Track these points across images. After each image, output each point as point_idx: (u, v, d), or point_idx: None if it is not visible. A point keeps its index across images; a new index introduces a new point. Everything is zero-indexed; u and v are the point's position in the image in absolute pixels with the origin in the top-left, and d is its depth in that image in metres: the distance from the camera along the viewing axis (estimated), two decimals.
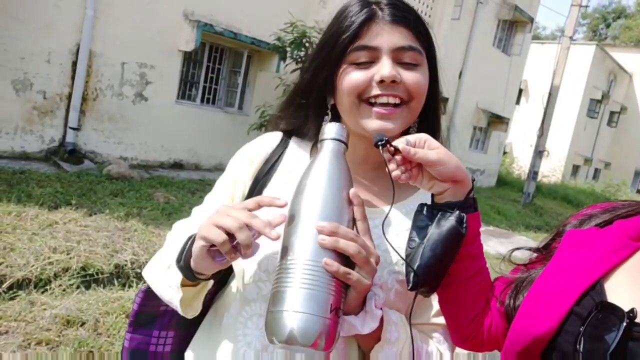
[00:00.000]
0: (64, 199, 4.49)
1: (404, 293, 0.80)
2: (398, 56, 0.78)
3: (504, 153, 17.41)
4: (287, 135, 0.93)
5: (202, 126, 7.47)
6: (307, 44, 6.54)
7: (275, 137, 0.92)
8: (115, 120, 6.64)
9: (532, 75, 20.81)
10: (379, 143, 0.69)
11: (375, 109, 0.78)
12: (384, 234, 0.73)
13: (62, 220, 3.93)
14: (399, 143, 0.69)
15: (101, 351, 2.56)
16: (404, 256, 0.73)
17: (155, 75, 6.84)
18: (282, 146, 0.91)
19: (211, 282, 0.81)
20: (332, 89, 0.82)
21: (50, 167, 5.71)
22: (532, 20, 13.91)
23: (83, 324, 2.75)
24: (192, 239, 0.74)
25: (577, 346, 0.56)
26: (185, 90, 7.51)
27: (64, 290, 3.07)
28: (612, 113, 25.50)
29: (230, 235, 0.67)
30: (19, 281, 3.00)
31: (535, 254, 0.79)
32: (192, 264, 0.72)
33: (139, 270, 3.47)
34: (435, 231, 0.70)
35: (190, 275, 0.74)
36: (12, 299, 2.87)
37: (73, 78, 6.09)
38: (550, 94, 12.72)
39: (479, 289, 0.77)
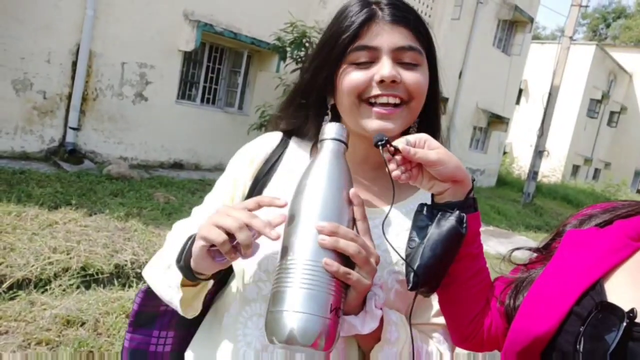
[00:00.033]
0: (64, 199, 4.49)
1: (403, 293, 0.80)
2: (398, 56, 0.78)
3: (504, 153, 17.42)
4: (287, 135, 0.93)
5: (202, 126, 7.47)
6: (307, 44, 6.54)
7: (275, 137, 0.92)
8: (115, 120, 6.64)
9: (532, 75, 20.81)
10: (379, 143, 0.69)
11: (375, 109, 0.78)
12: (384, 234, 0.73)
13: (62, 220, 3.93)
14: (399, 143, 0.69)
15: (101, 351, 2.56)
16: (403, 256, 0.73)
17: (155, 75, 6.84)
18: (282, 146, 0.91)
19: (211, 282, 0.81)
20: (332, 89, 0.82)
21: (50, 167, 5.71)
22: (532, 20, 13.91)
23: (83, 324, 2.75)
24: (192, 239, 0.74)
25: (577, 346, 0.56)
26: (185, 90, 7.51)
27: (64, 290, 3.07)
28: (612, 113, 25.50)
29: (230, 235, 0.67)
30: (19, 281, 3.00)
31: (535, 254, 0.79)
32: (192, 264, 0.72)
33: (139, 270, 3.47)
34: (435, 231, 0.70)
35: (190, 275, 0.74)
36: (12, 299, 2.87)
37: (73, 78, 6.09)
38: (550, 94, 12.72)
39: (479, 289, 0.77)
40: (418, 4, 8.35)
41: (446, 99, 11.63)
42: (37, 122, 6.00)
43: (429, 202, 0.84)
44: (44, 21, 5.73)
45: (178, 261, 0.75)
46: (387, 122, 0.78)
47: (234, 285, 0.89)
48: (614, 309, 0.55)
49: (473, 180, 0.74)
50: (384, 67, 0.76)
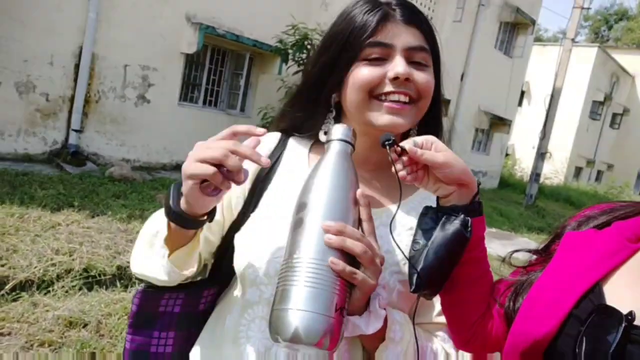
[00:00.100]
0: (66, 200, 4.50)
1: (406, 294, 0.80)
2: (410, 55, 0.79)
3: (506, 155, 17.39)
4: (286, 135, 0.93)
5: (204, 128, 7.47)
6: (308, 47, 6.55)
7: (273, 138, 0.92)
8: (118, 122, 6.66)
9: (534, 77, 20.78)
10: (386, 143, 0.69)
11: (387, 104, 0.78)
12: (391, 233, 0.73)
13: (64, 222, 3.94)
14: (406, 144, 0.69)
15: (103, 352, 2.56)
16: (404, 253, 0.74)
17: (157, 78, 6.85)
18: (281, 147, 0.91)
19: (201, 239, 0.82)
20: (338, 85, 0.83)
21: (53, 169, 5.73)
22: (533, 22, 13.90)
23: (85, 325, 2.75)
24: (175, 187, 0.74)
25: (577, 349, 0.56)
26: (188, 93, 7.52)
27: (66, 291, 3.08)
28: (614, 115, 25.44)
29: (217, 166, 0.66)
30: (22, 282, 3.01)
31: (534, 256, 0.79)
32: (185, 207, 0.72)
33: None
34: (439, 234, 0.70)
35: (186, 221, 0.73)
36: (15, 300, 2.88)
37: (76, 80, 6.11)
38: (552, 95, 12.70)
39: (481, 293, 0.77)
40: (420, 6, 8.36)
41: (448, 101, 11.62)
42: (39, 124, 6.02)
43: (429, 201, 0.84)
44: (47, 24, 5.75)
45: (168, 212, 0.73)
46: (398, 117, 0.78)
47: (236, 288, 0.89)
48: (613, 311, 0.55)
49: (479, 184, 0.74)
50: (399, 65, 0.77)
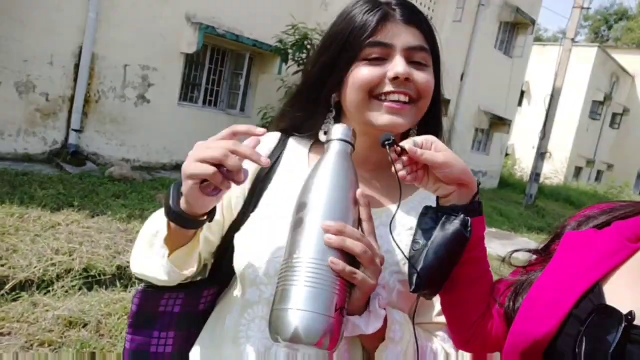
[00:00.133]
0: (66, 200, 4.50)
1: (406, 293, 0.80)
2: (410, 55, 0.79)
3: (506, 155, 17.39)
4: (285, 134, 0.93)
5: (204, 128, 7.47)
6: (308, 47, 6.55)
7: (273, 138, 0.92)
8: (118, 122, 6.66)
9: (534, 77, 20.79)
10: (386, 143, 0.69)
11: (387, 104, 0.79)
12: (391, 234, 0.73)
13: (64, 222, 3.94)
14: (406, 144, 0.69)
15: (103, 352, 2.56)
16: (404, 253, 0.74)
17: (157, 78, 6.86)
18: (281, 147, 0.91)
19: (201, 237, 0.82)
20: (338, 85, 0.83)
21: (53, 169, 5.73)
22: (533, 22, 13.90)
23: (85, 325, 2.75)
24: (175, 187, 0.74)
25: (577, 349, 0.56)
26: (188, 93, 7.53)
27: (66, 291, 3.08)
28: (614, 115, 25.44)
29: (217, 166, 0.66)
30: (22, 282, 3.01)
31: (534, 256, 0.79)
32: (185, 207, 0.72)
33: None
34: (439, 234, 0.70)
35: (186, 221, 0.73)
36: (15, 300, 2.88)
37: (75, 80, 6.11)
38: (552, 95, 12.70)
39: (481, 293, 0.77)
40: (420, 6, 8.36)
41: (448, 101, 11.62)
42: (39, 124, 6.02)
43: (428, 201, 0.84)
44: (47, 24, 5.75)
45: (168, 212, 0.73)
46: (398, 117, 0.78)
47: (236, 288, 0.89)
48: (613, 311, 0.55)
49: (479, 184, 0.74)
50: (399, 65, 0.77)
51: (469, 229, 0.70)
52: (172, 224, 0.76)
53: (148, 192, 5.44)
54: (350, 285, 0.66)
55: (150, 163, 7.01)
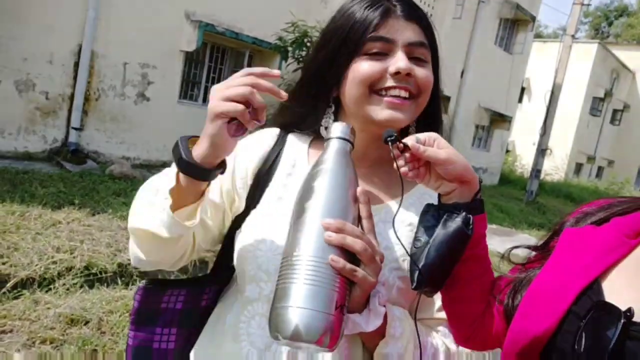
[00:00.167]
0: (67, 198, 4.51)
1: (406, 290, 0.81)
2: (410, 51, 0.80)
3: (507, 151, 17.39)
4: (284, 131, 0.93)
5: (204, 126, 7.47)
6: (308, 44, 6.54)
7: (272, 133, 0.92)
8: (118, 120, 6.66)
9: (534, 74, 20.76)
10: (389, 139, 0.69)
11: (387, 99, 0.79)
12: (394, 230, 0.73)
13: (65, 220, 3.95)
14: (409, 140, 0.69)
15: (105, 349, 2.57)
16: (407, 250, 0.74)
17: (157, 76, 6.85)
18: (280, 143, 0.91)
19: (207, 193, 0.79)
20: (337, 80, 0.83)
21: (53, 167, 5.73)
22: (533, 18, 13.88)
23: (87, 322, 2.76)
24: (183, 139, 0.73)
25: (576, 346, 0.56)
26: (187, 90, 7.52)
27: (67, 289, 3.08)
28: (615, 111, 25.43)
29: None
30: (23, 280, 3.02)
31: (534, 253, 0.79)
32: (206, 152, 0.71)
33: (142, 269, 3.48)
34: (441, 232, 0.70)
35: (200, 171, 0.72)
36: (16, 298, 2.88)
37: (75, 78, 6.11)
38: (552, 92, 12.69)
39: (482, 290, 0.77)
40: (420, 3, 8.34)
41: (448, 98, 11.61)
42: (39, 123, 6.02)
43: (427, 196, 0.84)
44: (46, 22, 5.74)
45: (180, 163, 0.72)
46: (398, 113, 0.79)
47: (236, 285, 0.89)
48: (611, 308, 0.55)
49: (480, 181, 0.74)
50: (401, 60, 0.78)
51: (471, 226, 0.70)
52: (183, 178, 0.74)
53: None
54: (350, 283, 0.66)
55: (150, 161, 7.01)
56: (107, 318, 2.83)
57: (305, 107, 0.89)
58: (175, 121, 7.10)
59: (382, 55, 0.79)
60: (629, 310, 0.54)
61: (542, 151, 12.91)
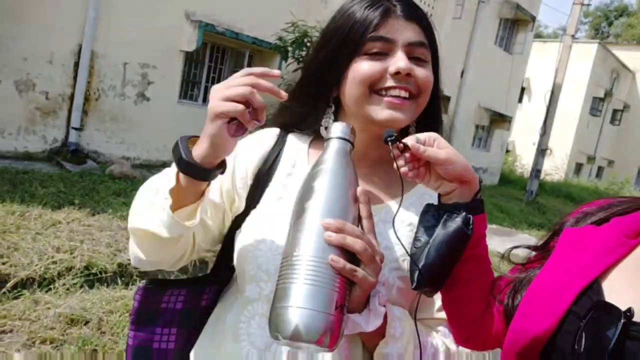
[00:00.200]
0: (67, 198, 4.51)
1: (405, 289, 0.81)
2: (410, 51, 0.80)
3: (507, 151, 17.39)
4: (284, 131, 0.93)
5: (204, 126, 7.47)
6: (308, 44, 6.54)
7: (272, 134, 0.92)
8: (118, 120, 6.66)
9: (534, 74, 20.76)
10: (389, 139, 0.69)
11: (387, 99, 0.79)
12: (394, 230, 0.73)
13: (65, 220, 3.95)
14: (409, 140, 0.70)
15: (105, 349, 2.57)
16: (407, 251, 0.74)
17: (157, 76, 6.85)
18: (280, 143, 0.91)
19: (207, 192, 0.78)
20: (337, 80, 0.83)
21: (53, 167, 5.73)
22: (533, 18, 13.88)
23: (87, 322, 2.76)
24: (183, 140, 0.73)
25: (576, 346, 0.56)
26: (187, 90, 7.52)
27: (67, 289, 3.08)
28: (615, 111, 25.43)
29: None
30: (23, 280, 3.02)
31: (534, 253, 0.79)
32: (205, 152, 0.71)
33: (142, 269, 3.48)
34: (441, 232, 0.70)
35: (200, 171, 0.72)
36: (16, 298, 2.89)
37: (75, 78, 6.11)
38: (552, 92, 12.69)
39: (482, 290, 0.77)
40: (420, 3, 8.34)
41: (448, 98, 11.61)
42: (39, 123, 6.02)
43: (427, 196, 0.84)
44: (46, 22, 5.74)
45: (180, 163, 0.72)
46: (398, 113, 0.79)
47: (236, 285, 0.89)
48: (611, 308, 0.55)
49: (480, 181, 0.74)
50: (401, 60, 0.78)
51: (471, 226, 0.70)
52: (183, 178, 0.73)
53: None
54: (350, 283, 0.66)
55: (150, 161, 7.01)
56: (107, 318, 2.83)
57: (305, 107, 0.89)
58: (175, 121, 7.10)
59: (382, 55, 0.79)
60: (629, 310, 0.54)
61: (542, 151, 12.91)
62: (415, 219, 0.83)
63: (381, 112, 0.79)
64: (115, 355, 2.54)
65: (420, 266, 0.70)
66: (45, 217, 3.91)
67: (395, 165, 0.70)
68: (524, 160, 20.03)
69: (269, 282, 0.80)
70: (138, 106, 6.80)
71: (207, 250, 0.94)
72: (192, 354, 0.91)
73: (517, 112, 17.53)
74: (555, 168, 21.01)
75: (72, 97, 6.15)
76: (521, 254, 0.82)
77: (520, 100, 18.02)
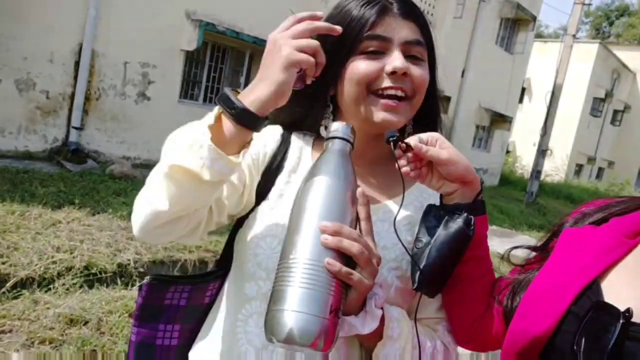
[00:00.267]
0: (67, 198, 4.51)
1: (404, 289, 0.80)
2: (407, 49, 0.79)
3: (507, 152, 17.39)
4: (288, 130, 0.92)
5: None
6: None
7: (276, 134, 0.92)
8: (118, 119, 6.66)
9: (535, 74, 20.76)
10: (391, 139, 0.69)
11: (383, 100, 0.78)
12: (395, 231, 0.73)
13: (65, 220, 3.95)
14: (412, 140, 0.69)
15: (104, 350, 2.57)
16: (409, 252, 0.74)
17: (157, 75, 6.85)
18: (285, 143, 0.90)
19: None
20: (334, 79, 0.82)
21: (54, 167, 5.74)
22: (534, 18, 13.88)
23: (86, 322, 2.76)
24: (229, 91, 0.71)
25: (575, 346, 0.56)
26: (188, 90, 7.53)
27: (67, 289, 3.08)
28: (615, 112, 25.42)
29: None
30: (23, 280, 3.02)
31: (533, 253, 0.79)
32: (264, 98, 0.69)
33: (141, 270, 3.48)
34: (442, 232, 0.70)
35: (255, 118, 0.69)
36: (15, 297, 2.89)
37: (76, 78, 6.11)
38: (553, 92, 12.68)
39: (483, 291, 0.77)
40: (420, 2, 8.34)
41: (448, 98, 11.62)
42: (40, 122, 6.02)
43: (426, 195, 0.84)
44: (47, 21, 5.75)
45: (234, 111, 0.68)
46: (393, 115, 0.78)
47: (234, 283, 0.89)
48: (610, 308, 0.55)
49: (482, 182, 0.74)
50: (397, 59, 0.77)
51: (472, 227, 0.71)
52: (229, 128, 0.70)
53: None
54: (346, 286, 0.66)
55: (150, 160, 7.01)
56: (107, 318, 2.83)
57: (303, 107, 0.88)
58: (175, 121, 7.01)
59: (379, 54, 0.79)
60: (628, 310, 0.54)
61: (542, 152, 12.91)
62: (412, 217, 0.83)
63: (377, 113, 0.79)
64: (114, 356, 2.54)
65: (421, 266, 0.70)
66: (45, 217, 3.91)
67: (397, 165, 0.70)
68: (524, 161, 20.04)
69: (267, 281, 0.79)
70: (138, 105, 6.80)
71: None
72: (191, 353, 0.90)
73: (518, 112, 17.53)
74: (556, 169, 21.01)
75: (72, 97, 6.15)
76: (521, 254, 0.82)
77: (520, 100, 18.03)
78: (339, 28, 0.75)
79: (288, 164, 0.88)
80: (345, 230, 0.66)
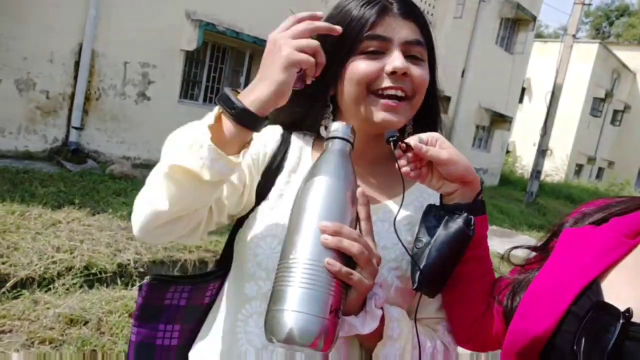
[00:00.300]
0: (67, 198, 4.51)
1: (404, 289, 0.80)
2: (407, 49, 0.79)
3: (507, 152, 17.39)
4: (288, 130, 0.92)
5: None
6: None
7: (276, 134, 0.92)
8: (118, 119, 6.66)
9: (535, 74, 20.76)
10: (391, 139, 0.69)
11: (383, 100, 0.78)
12: (395, 231, 0.73)
13: (65, 220, 3.95)
14: (412, 140, 0.69)
15: (104, 350, 2.57)
16: (409, 252, 0.74)
17: (157, 75, 6.85)
18: (285, 143, 0.90)
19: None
20: (334, 79, 0.82)
21: (54, 167, 5.74)
22: (534, 18, 13.88)
23: (86, 322, 2.76)
24: (228, 90, 0.71)
25: (575, 346, 0.56)
26: (188, 90, 7.53)
27: (67, 289, 3.08)
28: (615, 112, 25.41)
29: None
30: (23, 280, 3.02)
31: (533, 253, 0.79)
32: (265, 97, 0.69)
33: (141, 270, 3.48)
34: (442, 232, 0.70)
35: (254, 118, 0.69)
36: (15, 297, 2.89)
37: (76, 78, 6.11)
38: (553, 92, 12.68)
39: (483, 291, 0.77)
40: (420, 2, 8.34)
41: (448, 98, 11.62)
42: (40, 122, 6.02)
43: (426, 194, 0.84)
44: (47, 21, 5.75)
45: (233, 111, 0.68)
46: (393, 115, 0.78)
47: (234, 283, 0.89)
48: (610, 308, 0.55)
49: (482, 182, 0.74)
50: (397, 59, 0.77)
51: (472, 227, 0.71)
52: (229, 128, 0.70)
53: None
54: (346, 286, 0.66)
55: (150, 160, 7.01)
56: (107, 318, 2.83)
57: (303, 107, 0.88)
58: (175, 121, 7.01)
59: (379, 54, 0.79)
60: (628, 310, 0.54)
61: (542, 152, 12.90)
62: (412, 217, 0.83)
63: (377, 113, 0.79)
64: (114, 356, 2.54)
65: (421, 266, 0.70)
66: (45, 217, 3.91)
67: (397, 165, 0.70)
68: (524, 161, 20.03)
69: (267, 281, 0.79)
70: (138, 105, 6.80)
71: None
72: (191, 353, 0.90)
73: (518, 112, 17.53)
74: (556, 169, 21.00)
75: (72, 97, 6.15)
76: (521, 254, 0.82)
77: (520, 100, 18.03)
78: (339, 28, 0.75)
79: (288, 164, 0.88)
80: (345, 230, 0.66)
